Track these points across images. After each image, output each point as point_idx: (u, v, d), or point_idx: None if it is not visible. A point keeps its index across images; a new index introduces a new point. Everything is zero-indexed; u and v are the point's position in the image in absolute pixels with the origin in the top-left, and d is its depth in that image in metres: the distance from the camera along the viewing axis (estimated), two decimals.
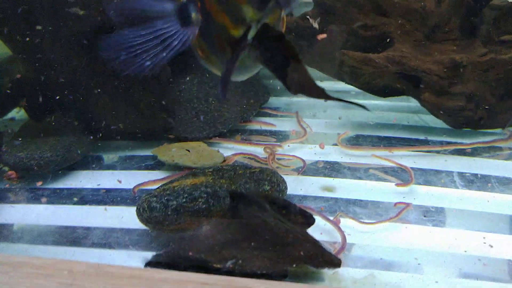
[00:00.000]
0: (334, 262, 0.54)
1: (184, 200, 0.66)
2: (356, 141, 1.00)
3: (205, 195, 0.66)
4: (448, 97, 0.98)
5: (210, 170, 0.74)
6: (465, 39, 1.03)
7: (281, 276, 0.53)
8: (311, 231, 0.68)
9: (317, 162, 0.92)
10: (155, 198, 0.66)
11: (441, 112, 0.98)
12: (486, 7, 1.08)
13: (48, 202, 0.78)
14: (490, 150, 0.95)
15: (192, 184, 0.69)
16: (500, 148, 0.97)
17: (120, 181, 0.82)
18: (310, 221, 0.59)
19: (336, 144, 0.97)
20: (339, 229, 0.68)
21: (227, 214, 0.58)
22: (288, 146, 0.97)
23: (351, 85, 1.06)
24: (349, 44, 1.00)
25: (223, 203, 0.65)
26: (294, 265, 0.53)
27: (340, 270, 0.58)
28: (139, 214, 0.66)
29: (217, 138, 0.97)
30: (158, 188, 0.70)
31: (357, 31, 1.01)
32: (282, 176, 0.77)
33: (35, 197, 0.80)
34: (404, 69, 0.97)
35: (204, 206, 0.66)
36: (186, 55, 1.08)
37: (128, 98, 0.89)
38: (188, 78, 1.04)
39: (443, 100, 0.98)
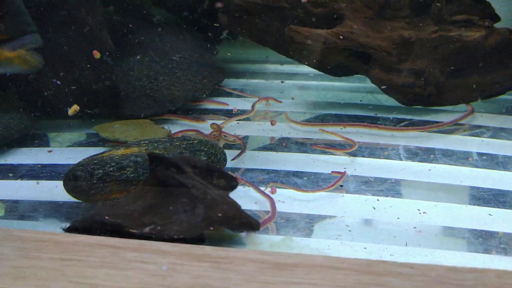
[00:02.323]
0: (252, 224, 0.53)
1: (112, 169, 0.64)
2: (308, 119, 1.00)
3: (133, 165, 0.64)
4: (397, 74, 0.98)
5: (145, 142, 0.72)
6: (416, 17, 1.03)
7: (198, 240, 0.52)
8: (247, 201, 0.67)
9: (264, 137, 0.92)
10: (81, 167, 0.65)
11: (390, 89, 0.98)
12: None
13: None
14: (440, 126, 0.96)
15: (123, 154, 0.67)
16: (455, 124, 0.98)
17: (50, 151, 0.81)
18: (233, 184, 0.58)
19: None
20: (268, 196, 0.68)
21: (146, 177, 0.57)
22: (238, 123, 0.96)
23: (305, 64, 1.06)
24: (299, 21, 1.00)
25: None
26: (212, 228, 0.52)
27: (261, 234, 0.58)
28: (65, 184, 0.65)
29: (166, 115, 0.95)
30: (87, 157, 0.68)
31: (307, 8, 1.00)
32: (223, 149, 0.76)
33: None
34: (353, 45, 0.97)
35: (132, 175, 0.64)
36: (137, 34, 1.08)
37: (71, 76, 0.87)
38: (138, 57, 1.03)
39: (393, 76, 0.98)
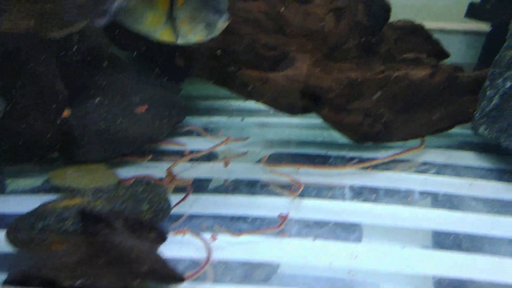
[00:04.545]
0: (176, 277, 0.56)
1: (52, 221, 0.66)
2: (261, 159, 1.03)
3: (73, 216, 0.66)
4: (346, 113, 1.02)
5: (90, 192, 0.74)
6: (365, 58, 1.07)
7: None
8: (187, 248, 0.69)
9: (218, 179, 0.94)
10: (23, 219, 0.67)
11: (340, 127, 1.02)
12: (387, 26, 1.13)
13: None
14: (387, 164, 0.99)
15: (65, 205, 0.69)
16: (398, 161, 1.01)
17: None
18: (163, 237, 0.61)
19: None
20: (206, 244, 0.70)
21: (80, 232, 0.59)
22: (191, 165, 0.98)
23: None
24: (252, 63, 1.04)
25: None
26: (138, 281, 0.54)
27: (197, 284, 0.60)
28: (7, 235, 0.67)
29: (123, 158, 0.98)
30: (31, 210, 0.70)
31: (260, 51, 1.04)
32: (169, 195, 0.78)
33: None
34: (303, 87, 1.01)
35: (72, 227, 0.66)
36: (97, 76, 1.11)
37: (25, 124, 0.90)
38: (97, 100, 1.06)
39: (342, 116, 1.02)
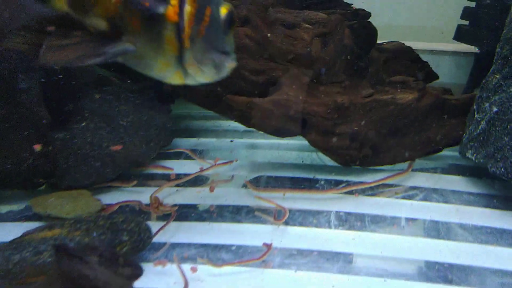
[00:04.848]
0: None
1: (28, 254, 0.65)
2: (253, 182, 1.02)
3: (50, 249, 0.66)
4: (333, 137, 1.01)
5: (70, 221, 0.74)
6: (353, 81, 1.07)
7: None
8: (167, 279, 0.68)
9: (203, 205, 0.94)
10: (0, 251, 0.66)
11: (328, 151, 1.01)
12: (375, 49, 1.14)
13: None
14: (374, 188, 0.98)
15: (43, 237, 0.68)
16: (386, 186, 1.00)
17: None
18: (139, 273, 0.60)
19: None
20: (184, 277, 0.69)
21: (53, 267, 0.58)
22: (176, 189, 0.97)
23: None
24: (239, 89, 1.03)
25: None
26: None
27: None
28: None
29: (107, 183, 0.97)
30: (7, 242, 0.69)
31: (247, 76, 1.04)
32: (149, 224, 0.77)
33: None
34: (288, 112, 1.01)
35: (49, 259, 0.65)
36: (82, 99, 1.11)
37: (8, 151, 0.89)
38: (83, 124, 1.05)
39: (329, 139, 1.01)
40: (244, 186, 0.99)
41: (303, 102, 1.02)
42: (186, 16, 0.64)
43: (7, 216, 0.87)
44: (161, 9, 0.64)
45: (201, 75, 0.69)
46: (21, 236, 0.71)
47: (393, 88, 1.10)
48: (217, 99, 1.07)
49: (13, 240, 0.69)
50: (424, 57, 1.25)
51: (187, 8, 0.64)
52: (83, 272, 0.55)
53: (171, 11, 0.64)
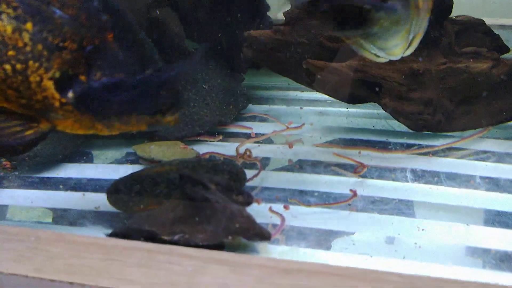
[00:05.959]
0: (264, 235, 0.62)
1: (148, 184, 0.75)
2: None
3: (166, 181, 0.75)
4: (407, 102, 1.06)
5: (177, 161, 0.83)
6: (426, 50, 1.11)
7: (219, 247, 0.61)
8: (263, 215, 0.76)
9: (282, 159, 1.01)
10: (122, 182, 0.76)
11: (401, 116, 1.06)
12: (448, 21, 1.16)
13: (35, 188, 0.89)
14: (446, 151, 1.02)
15: (157, 171, 0.78)
16: (457, 149, 1.04)
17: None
18: (250, 200, 0.68)
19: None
20: (277, 213, 0.77)
21: (178, 192, 0.67)
22: (258, 145, 1.06)
23: (322, 93, 1.15)
24: (316, 55, 1.09)
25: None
26: (230, 237, 0.61)
27: (272, 245, 0.66)
28: (108, 197, 0.76)
29: (197, 137, 1.06)
30: (126, 176, 0.79)
31: (324, 43, 1.10)
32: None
33: (25, 184, 0.91)
34: (365, 76, 1.05)
35: (165, 190, 0.75)
36: (171, 63, 1.20)
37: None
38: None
39: (402, 105, 1.06)
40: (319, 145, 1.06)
41: (378, 68, 1.07)
42: None
43: (114, 160, 0.99)
44: None
45: (413, 48, 0.72)
46: (137, 171, 0.81)
47: (466, 59, 1.13)
48: (294, 65, 1.14)
49: (131, 174, 0.79)
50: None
51: None
52: (206, 196, 0.64)
53: None
